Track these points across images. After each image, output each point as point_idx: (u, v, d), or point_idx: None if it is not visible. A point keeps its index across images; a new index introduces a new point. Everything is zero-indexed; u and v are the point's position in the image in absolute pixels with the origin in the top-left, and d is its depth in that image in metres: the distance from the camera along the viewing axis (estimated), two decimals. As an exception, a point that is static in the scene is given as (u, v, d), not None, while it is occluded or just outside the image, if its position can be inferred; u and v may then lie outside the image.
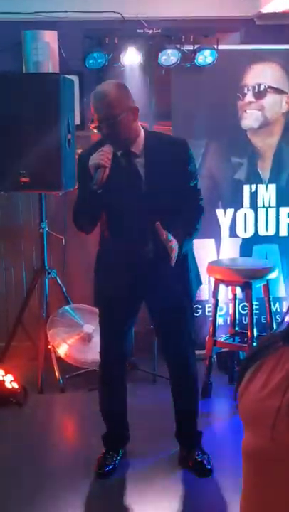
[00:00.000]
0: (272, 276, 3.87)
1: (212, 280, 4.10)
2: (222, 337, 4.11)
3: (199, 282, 3.16)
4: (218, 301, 3.97)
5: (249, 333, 3.79)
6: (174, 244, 2.77)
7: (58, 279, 4.34)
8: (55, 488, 3.03)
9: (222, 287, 4.00)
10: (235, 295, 4.08)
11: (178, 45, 4.11)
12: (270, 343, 1.19)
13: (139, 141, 2.87)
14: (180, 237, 2.82)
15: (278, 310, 4.45)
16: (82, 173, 2.92)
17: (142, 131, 2.90)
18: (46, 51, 4.29)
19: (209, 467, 3.08)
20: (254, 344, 3.75)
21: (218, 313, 4.10)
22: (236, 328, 4.15)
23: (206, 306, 4.45)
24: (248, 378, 1.19)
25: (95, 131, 2.84)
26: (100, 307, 3.15)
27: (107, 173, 2.70)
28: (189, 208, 2.97)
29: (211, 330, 3.95)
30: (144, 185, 2.87)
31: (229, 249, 4.44)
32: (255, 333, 3.78)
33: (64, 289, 4.39)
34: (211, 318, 4.05)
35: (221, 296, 4.05)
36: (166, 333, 3.12)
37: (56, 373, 4.11)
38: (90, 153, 2.83)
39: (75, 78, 4.30)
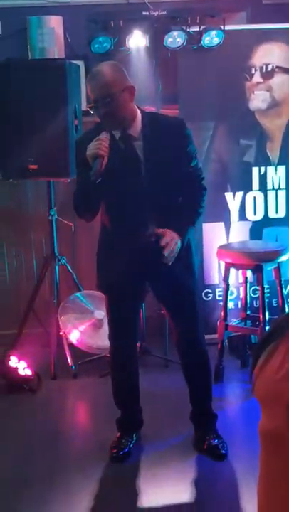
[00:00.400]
0: (283, 258, 3.84)
1: (222, 264, 4.08)
2: (233, 321, 4.09)
3: (198, 259, 3.17)
4: (228, 285, 3.95)
5: (261, 317, 3.77)
6: (173, 245, 2.75)
7: (68, 265, 4.34)
8: (69, 474, 3.04)
9: (232, 271, 3.98)
10: (246, 278, 4.06)
11: (184, 27, 4.06)
12: (285, 324, 1.18)
13: (137, 123, 2.84)
14: (182, 230, 2.83)
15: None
16: (78, 160, 2.89)
17: (139, 113, 2.87)
18: (52, 37, 4.26)
19: (224, 452, 3.09)
20: (266, 328, 3.74)
21: (229, 297, 4.08)
22: (248, 312, 4.13)
23: (217, 290, 4.44)
24: (264, 360, 1.18)
25: (91, 111, 2.81)
26: (106, 294, 3.14)
27: (105, 161, 2.68)
28: (191, 190, 2.95)
29: (222, 314, 3.93)
30: (143, 168, 2.83)
31: (239, 233, 4.41)
32: (267, 317, 3.76)
33: (74, 276, 4.38)
34: (221, 303, 4.04)
35: (231, 280, 4.03)
36: (175, 316, 3.11)
37: (68, 359, 4.13)
38: (85, 139, 2.82)
39: (80, 63, 4.26)
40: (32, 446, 3.35)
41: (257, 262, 3.74)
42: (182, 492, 2.86)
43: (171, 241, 2.75)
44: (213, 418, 3.22)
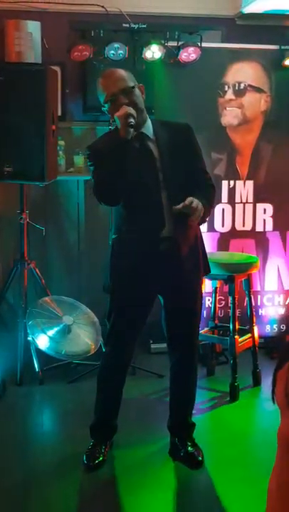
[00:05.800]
0: (254, 270, 3.95)
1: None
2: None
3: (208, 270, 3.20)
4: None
5: (231, 326, 3.86)
6: (196, 203, 2.75)
7: (37, 270, 4.32)
8: (42, 483, 2.96)
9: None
10: (216, 288, 4.14)
11: (162, 41, 4.15)
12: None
13: (148, 125, 2.93)
14: (201, 201, 2.82)
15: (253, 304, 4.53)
16: (98, 158, 2.87)
17: (148, 117, 2.96)
18: (29, 41, 4.25)
19: (200, 459, 3.11)
20: (235, 337, 3.83)
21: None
22: (215, 321, 4.22)
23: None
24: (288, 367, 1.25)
25: (105, 110, 2.85)
26: (117, 293, 3.07)
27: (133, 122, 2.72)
28: (202, 189, 2.99)
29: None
30: (159, 165, 2.89)
31: (207, 243, 4.48)
32: (237, 327, 3.85)
33: (43, 281, 4.37)
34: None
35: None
36: (178, 323, 3.09)
37: (35, 365, 4.10)
38: (99, 145, 2.91)
39: (57, 69, 4.28)
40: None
41: (230, 273, 3.84)
42: (159, 500, 2.84)
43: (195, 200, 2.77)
44: (192, 427, 3.24)
